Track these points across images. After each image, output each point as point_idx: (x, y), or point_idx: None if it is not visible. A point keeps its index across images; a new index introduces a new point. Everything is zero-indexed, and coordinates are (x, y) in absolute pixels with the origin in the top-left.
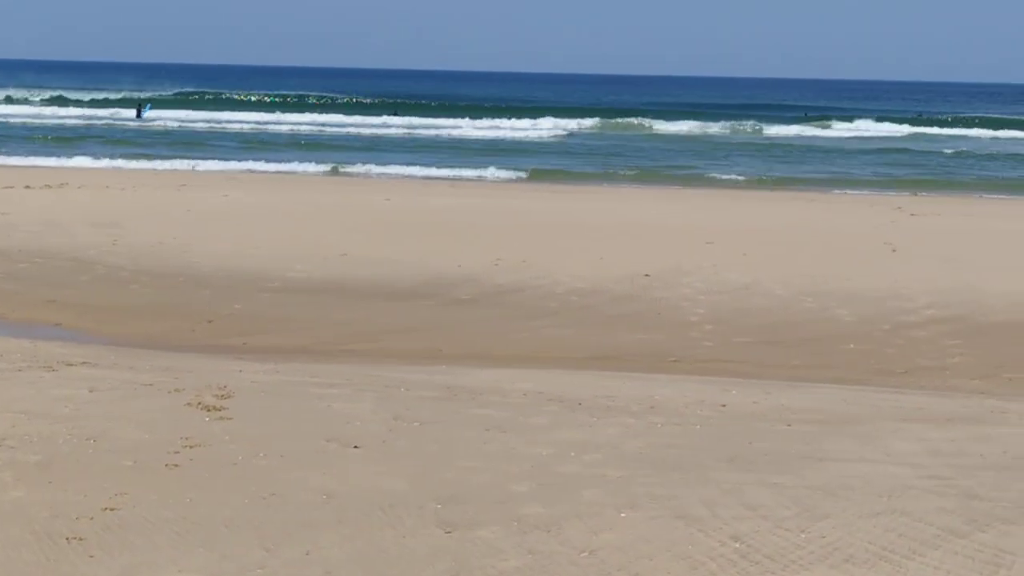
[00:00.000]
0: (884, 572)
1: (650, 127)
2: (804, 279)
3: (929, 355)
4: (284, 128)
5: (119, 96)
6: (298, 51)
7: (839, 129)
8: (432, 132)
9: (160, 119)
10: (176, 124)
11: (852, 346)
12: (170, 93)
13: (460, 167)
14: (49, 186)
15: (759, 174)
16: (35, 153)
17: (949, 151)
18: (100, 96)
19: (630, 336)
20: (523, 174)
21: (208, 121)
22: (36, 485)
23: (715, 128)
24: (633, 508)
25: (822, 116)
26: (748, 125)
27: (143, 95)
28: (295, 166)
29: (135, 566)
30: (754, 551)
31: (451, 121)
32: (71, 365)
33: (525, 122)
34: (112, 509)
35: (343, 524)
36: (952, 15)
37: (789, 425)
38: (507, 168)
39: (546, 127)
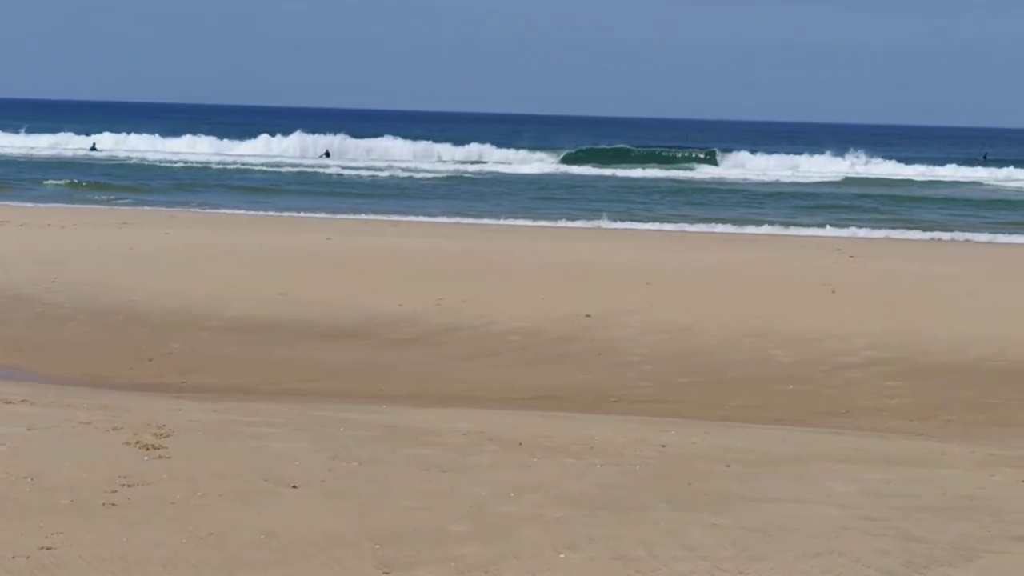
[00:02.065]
0: None
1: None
2: (743, 320)
3: (867, 396)
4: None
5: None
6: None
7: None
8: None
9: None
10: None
11: (791, 387)
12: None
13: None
14: None
15: (693, 215)
16: None
17: (882, 194)
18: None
19: (570, 376)
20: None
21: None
22: None
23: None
24: (572, 549)
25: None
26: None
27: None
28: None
29: None
30: None
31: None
32: (9, 403)
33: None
34: (49, 548)
35: (281, 564)
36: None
37: (728, 466)
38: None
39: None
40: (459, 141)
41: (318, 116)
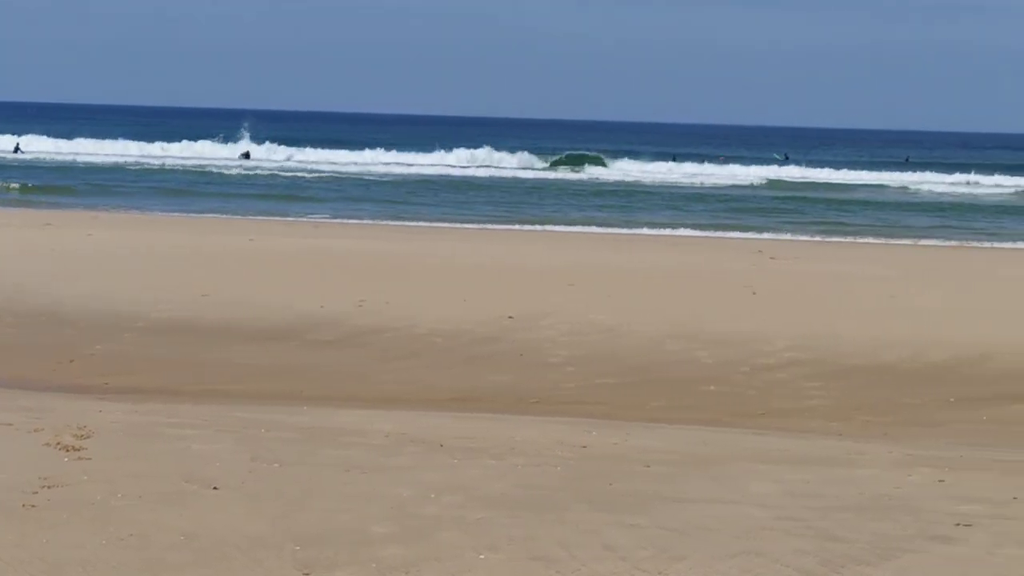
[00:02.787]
0: None
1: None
2: (666, 321)
3: (787, 397)
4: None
5: None
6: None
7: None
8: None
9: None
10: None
11: (712, 388)
12: None
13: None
14: None
15: (618, 217)
16: None
17: (804, 196)
18: None
19: (492, 377)
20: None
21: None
22: None
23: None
24: (492, 550)
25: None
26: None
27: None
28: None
29: None
30: None
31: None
32: None
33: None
34: None
35: (202, 566)
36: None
37: (648, 466)
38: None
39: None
40: (364, 144)
41: (258, 118)
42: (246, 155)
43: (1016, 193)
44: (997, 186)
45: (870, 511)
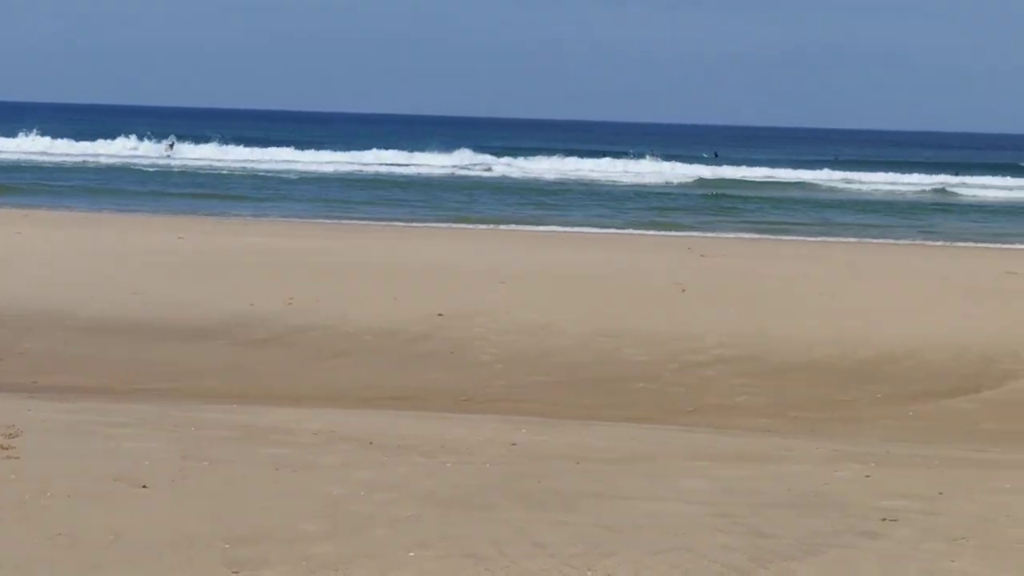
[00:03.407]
0: None
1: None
2: (597, 319)
3: (717, 394)
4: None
5: None
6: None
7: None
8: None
9: None
10: None
11: (641, 385)
12: None
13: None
14: None
15: (546, 215)
16: None
17: (734, 194)
18: None
19: (422, 376)
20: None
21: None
22: None
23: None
24: (422, 547)
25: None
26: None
27: None
28: None
29: None
30: None
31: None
32: None
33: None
34: None
35: (131, 564)
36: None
37: (579, 463)
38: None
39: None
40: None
41: (188, 115)
42: (171, 146)
43: (936, 191)
44: (917, 184)
45: (799, 507)
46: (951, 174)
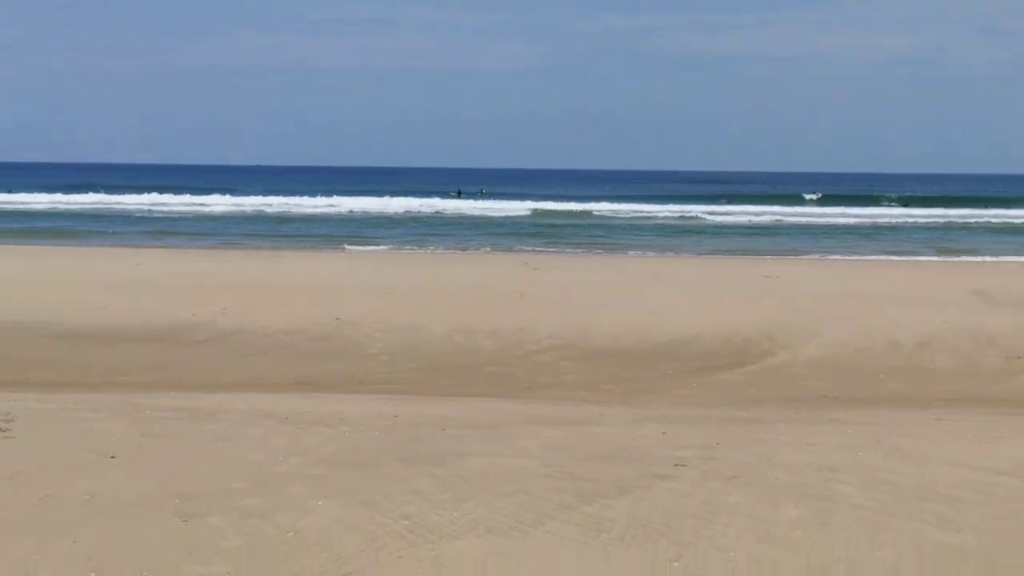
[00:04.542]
0: (516, 538)
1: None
2: (457, 319)
3: (548, 374)
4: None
5: None
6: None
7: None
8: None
9: None
10: None
11: (491, 369)
12: None
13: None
14: None
15: (423, 239)
16: None
17: (561, 223)
18: None
19: (325, 366)
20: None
21: None
22: None
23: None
24: (327, 498)
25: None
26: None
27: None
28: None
29: None
30: (419, 526)
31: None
32: None
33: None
34: None
35: (103, 518)
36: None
37: (444, 430)
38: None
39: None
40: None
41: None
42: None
43: (690, 217)
44: (683, 212)
45: (611, 458)
46: (715, 203)
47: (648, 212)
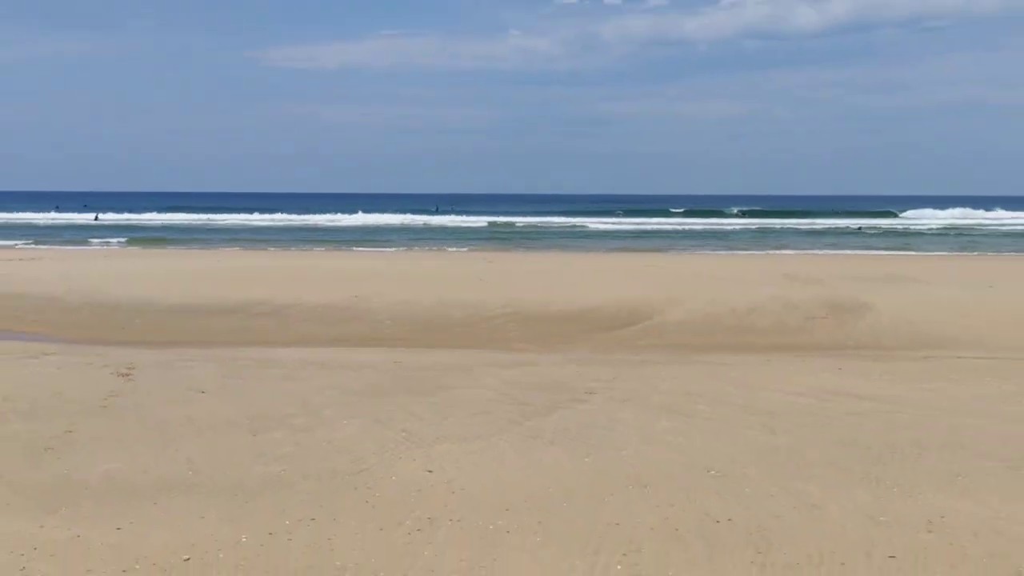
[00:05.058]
0: (480, 444)
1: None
2: (437, 295)
3: (501, 333)
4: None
5: None
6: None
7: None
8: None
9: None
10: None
11: (461, 329)
12: None
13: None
14: (25, 260)
15: (405, 241)
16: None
17: (511, 232)
18: None
19: (348, 328)
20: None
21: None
22: (23, 419)
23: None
24: (352, 418)
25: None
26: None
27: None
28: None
29: (115, 469)
30: (414, 436)
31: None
32: (46, 354)
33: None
34: (69, 432)
35: (199, 436)
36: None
37: (431, 371)
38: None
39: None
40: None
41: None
42: (96, 218)
43: (577, 226)
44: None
45: (545, 388)
46: (611, 216)
47: (565, 223)
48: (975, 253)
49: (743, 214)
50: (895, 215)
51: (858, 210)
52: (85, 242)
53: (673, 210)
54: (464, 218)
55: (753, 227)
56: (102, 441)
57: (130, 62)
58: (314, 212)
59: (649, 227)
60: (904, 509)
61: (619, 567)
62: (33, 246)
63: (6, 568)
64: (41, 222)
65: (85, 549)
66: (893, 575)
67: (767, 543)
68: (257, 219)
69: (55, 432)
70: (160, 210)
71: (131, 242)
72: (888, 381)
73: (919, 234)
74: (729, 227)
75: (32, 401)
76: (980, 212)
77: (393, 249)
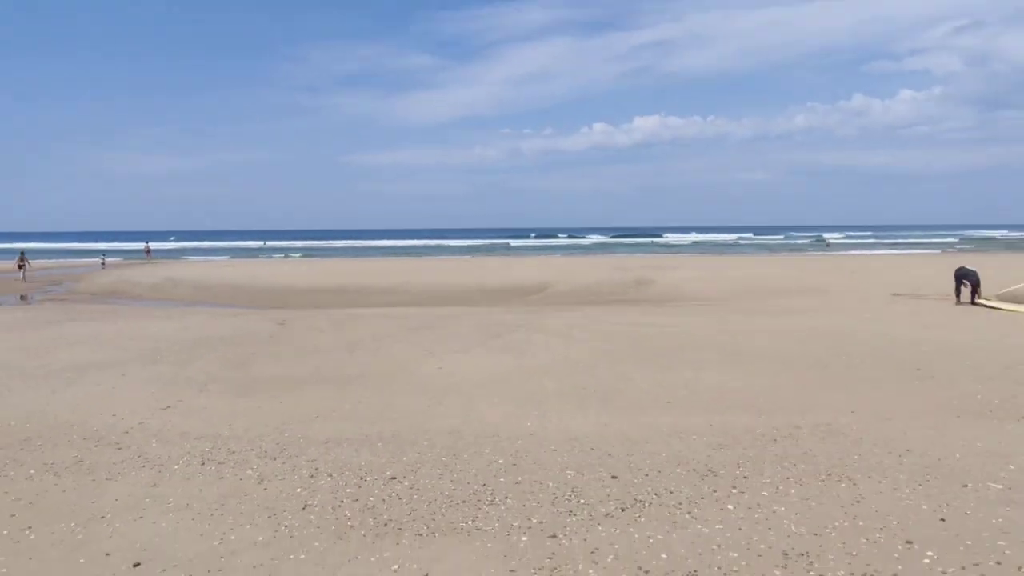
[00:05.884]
0: (468, 353)
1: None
2: (445, 280)
3: (476, 297)
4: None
5: None
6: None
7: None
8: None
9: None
10: None
11: (454, 296)
12: None
13: None
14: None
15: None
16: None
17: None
18: None
19: (398, 298)
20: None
21: None
22: (227, 346)
23: None
24: (400, 343)
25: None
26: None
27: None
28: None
29: (277, 372)
30: (430, 351)
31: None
32: (238, 316)
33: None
34: (252, 353)
35: (321, 353)
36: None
37: (438, 318)
38: None
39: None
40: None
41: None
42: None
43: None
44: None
45: (497, 325)
46: (526, 238)
47: (507, 242)
48: (709, 256)
49: (608, 235)
50: (661, 236)
51: (643, 231)
52: (268, 256)
53: (560, 235)
54: (452, 241)
55: (610, 243)
56: (270, 358)
57: (284, 166)
58: (356, 238)
59: (546, 244)
60: (673, 378)
61: (535, 412)
62: (227, 259)
63: (217, 421)
64: (243, 246)
65: (260, 412)
66: (672, 411)
67: (610, 398)
68: (301, 244)
69: (245, 353)
70: (315, 238)
71: (303, 255)
72: (665, 317)
73: (677, 245)
74: (588, 243)
75: (231, 337)
76: (711, 235)
77: (410, 256)
